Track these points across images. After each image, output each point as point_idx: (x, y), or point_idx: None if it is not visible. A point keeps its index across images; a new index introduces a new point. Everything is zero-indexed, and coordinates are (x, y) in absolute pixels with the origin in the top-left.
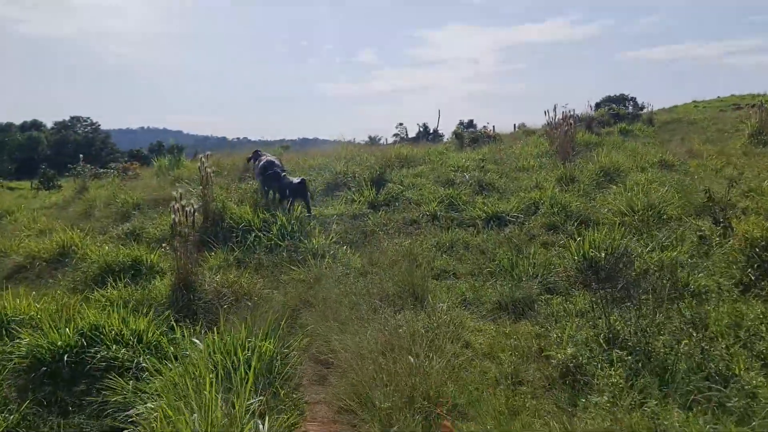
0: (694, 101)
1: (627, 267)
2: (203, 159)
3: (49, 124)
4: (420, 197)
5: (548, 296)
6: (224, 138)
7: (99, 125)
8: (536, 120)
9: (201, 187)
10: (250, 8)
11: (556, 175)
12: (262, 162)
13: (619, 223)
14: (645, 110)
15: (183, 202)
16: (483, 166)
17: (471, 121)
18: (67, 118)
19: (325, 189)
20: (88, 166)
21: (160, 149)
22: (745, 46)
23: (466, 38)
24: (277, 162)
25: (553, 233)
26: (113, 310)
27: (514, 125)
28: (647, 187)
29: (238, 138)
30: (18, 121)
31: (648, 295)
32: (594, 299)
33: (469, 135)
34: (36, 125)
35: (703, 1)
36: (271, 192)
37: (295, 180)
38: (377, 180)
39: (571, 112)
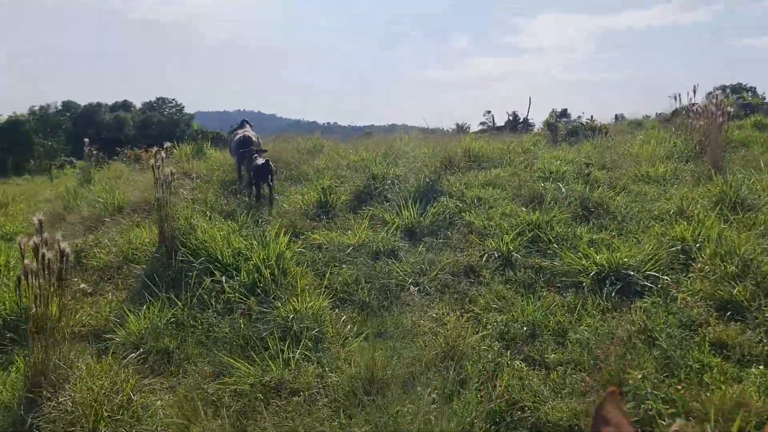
0: None
1: None
2: (158, 155)
3: (139, 105)
4: (487, 224)
5: None
6: (315, 122)
7: (183, 106)
8: (636, 110)
9: (155, 198)
10: None
11: (709, 194)
12: (237, 136)
13: None
14: None
15: (38, 239)
16: (588, 173)
17: (565, 111)
18: (153, 99)
19: (352, 201)
20: (94, 151)
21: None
22: None
23: (562, 26)
24: (255, 139)
25: (735, 321)
26: None
27: (616, 116)
28: None
29: (328, 123)
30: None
31: None
32: None
33: (564, 126)
34: (126, 106)
35: None
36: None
37: (260, 161)
38: (426, 191)
39: (723, 97)
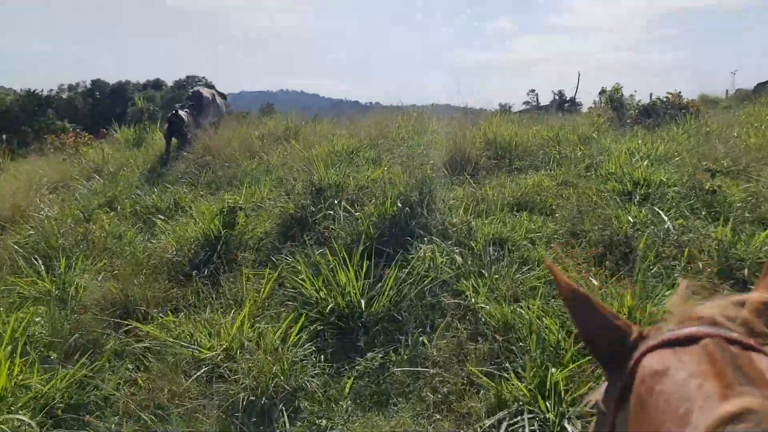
0: None
1: None
2: None
3: (170, 84)
4: (513, 314)
5: None
6: (357, 102)
7: (213, 84)
8: (691, 91)
9: None
10: None
11: None
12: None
13: None
14: None
15: None
16: (713, 189)
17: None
18: (183, 77)
19: (270, 237)
20: (3, 137)
21: (270, 111)
22: None
23: (611, 4)
24: (207, 96)
25: None
26: None
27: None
28: None
29: (370, 102)
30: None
31: None
32: None
33: (636, 105)
34: (157, 84)
35: None
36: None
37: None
38: (398, 224)
39: None
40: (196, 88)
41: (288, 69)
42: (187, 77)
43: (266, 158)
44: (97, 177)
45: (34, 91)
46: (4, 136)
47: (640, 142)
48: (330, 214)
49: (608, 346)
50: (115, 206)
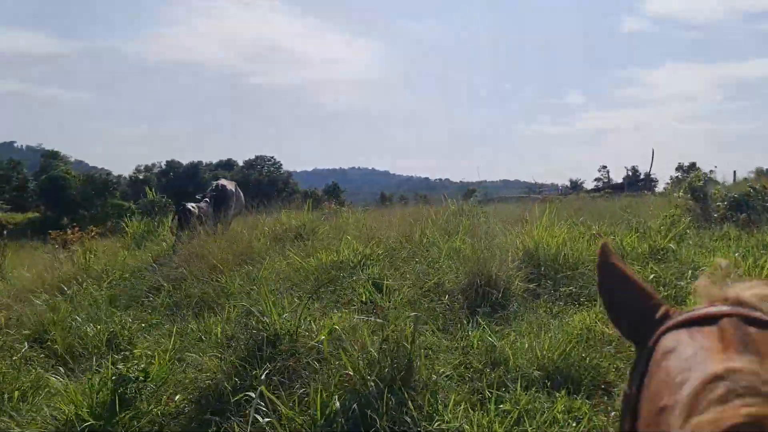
0: None
1: None
2: None
3: (241, 163)
4: None
5: None
6: (427, 179)
7: (281, 164)
8: None
9: None
10: (457, 56)
11: None
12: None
13: None
14: None
15: None
16: None
17: (693, 164)
18: (253, 157)
19: (187, 425)
20: (4, 232)
21: (335, 190)
22: None
23: (684, 75)
24: (230, 189)
25: None
26: None
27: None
28: None
29: (439, 179)
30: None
31: None
32: None
33: (723, 196)
34: (228, 164)
35: None
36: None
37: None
38: None
39: None
40: (220, 181)
41: (360, 146)
42: (257, 157)
43: (255, 269)
44: (65, 288)
45: (92, 175)
46: (5, 232)
47: (736, 255)
48: (251, 397)
49: (634, 322)
50: (46, 339)
